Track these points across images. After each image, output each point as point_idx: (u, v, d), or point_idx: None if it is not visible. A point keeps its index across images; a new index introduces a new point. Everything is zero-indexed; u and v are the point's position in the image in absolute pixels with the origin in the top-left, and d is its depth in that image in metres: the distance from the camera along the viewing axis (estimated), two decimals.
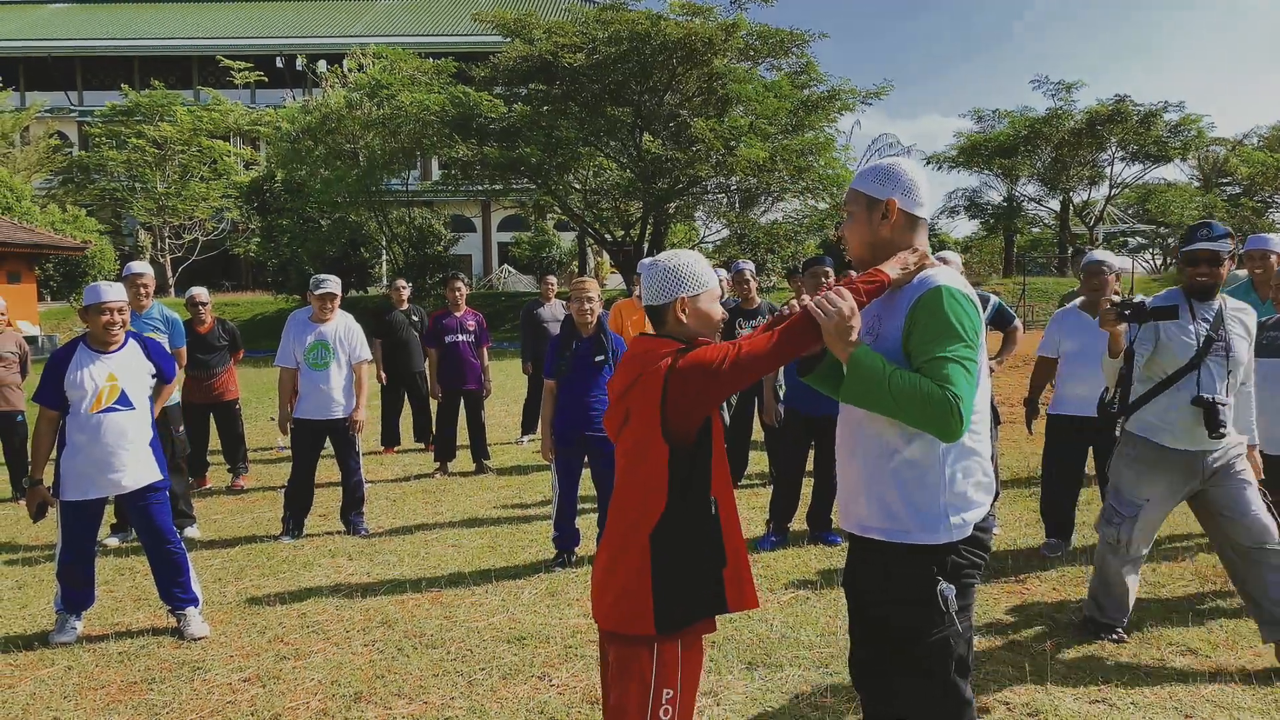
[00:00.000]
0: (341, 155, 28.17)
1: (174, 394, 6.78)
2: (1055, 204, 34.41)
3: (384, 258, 33.30)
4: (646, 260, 2.56)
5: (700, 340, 2.52)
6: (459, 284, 8.53)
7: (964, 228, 52.04)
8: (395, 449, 9.86)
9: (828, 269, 6.02)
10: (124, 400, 4.58)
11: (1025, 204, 34.93)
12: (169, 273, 37.49)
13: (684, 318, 2.52)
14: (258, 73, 39.27)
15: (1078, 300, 5.72)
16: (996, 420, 6.25)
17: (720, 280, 8.23)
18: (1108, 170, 32.41)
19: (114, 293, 4.60)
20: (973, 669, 2.47)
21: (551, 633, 4.55)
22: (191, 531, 6.60)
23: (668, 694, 2.46)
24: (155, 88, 37.08)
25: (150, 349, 4.81)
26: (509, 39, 25.75)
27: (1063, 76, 48.05)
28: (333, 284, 6.58)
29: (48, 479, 4.67)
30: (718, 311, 2.57)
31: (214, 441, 8.52)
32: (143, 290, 6.62)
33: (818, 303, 2.30)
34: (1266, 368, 4.64)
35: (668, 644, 2.47)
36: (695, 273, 2.53)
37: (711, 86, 24.62)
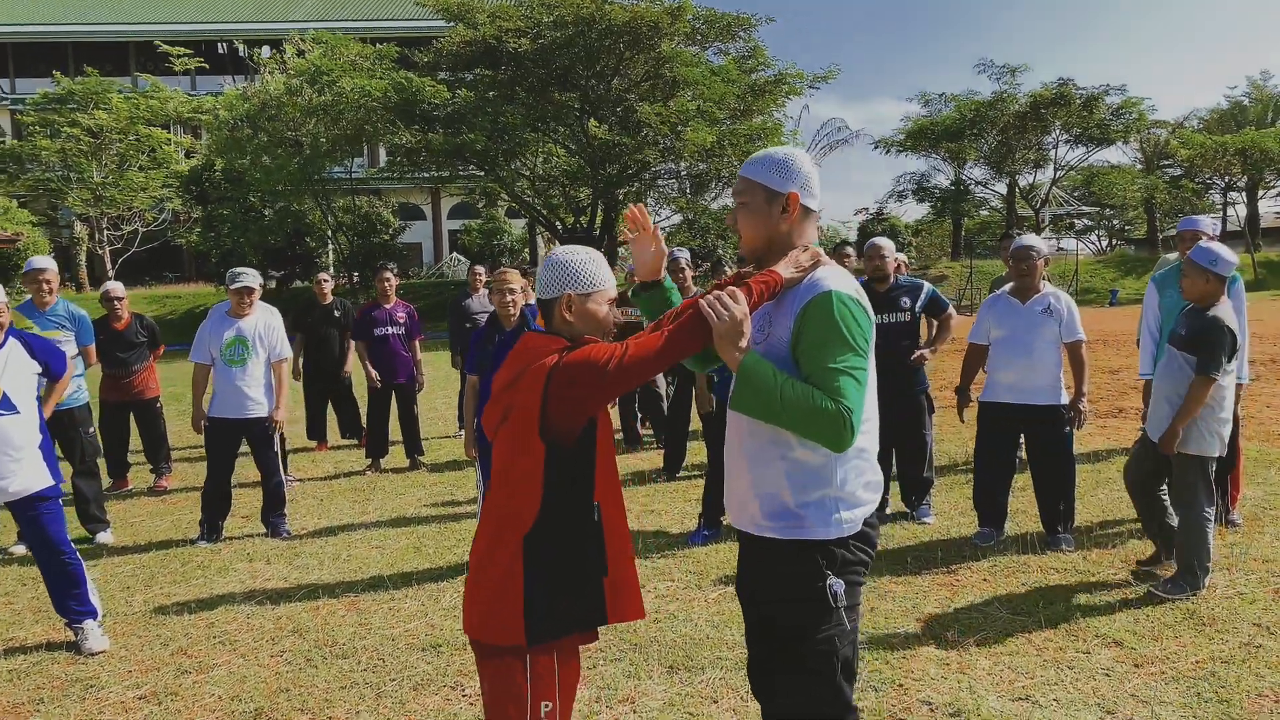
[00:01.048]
0: (283, 143, 27.60)
1: (83, 393, 6.50)
2: (1002, 187, 34.75)
3: (330, 247, 32.75)
4: (549, 255, 2.43)
5: (588, 338, 2.37)
6: (388, 274, 8.30)
7: (913, 211, 52.37)
8: (326, 446, 9.60)
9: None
10: (5, 404, 4.32)
11: (973, 187, 35.23)
12: (109, 265, 36.53)
13: (569, 316, 2.38)
14: (198, 59, 38.31)
15: (1007, 286, 5.64)
16: (931, 408, 6.18)
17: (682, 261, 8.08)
18: (1052, 153, 32.78)
19: None
20: (858, 674, 2.41)
21: (468, 640, 4.37)
22: (105, 536, 6.34)
23: (546, 706, 2.34)
24: (89, 74, 36.00)
25: (35, 346, 4.54)
26: (452, 23, 25.35)
27: (1008, 60, 48.47)
28: (250, 277, 6.33)
29: None
30: (607, 315, 2.44)
31: (136, 441, 8.21)
32: (45, 286, 6.33)
33: (709, 303, 2.21)
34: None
35: (542, 656, 2.34)
36: (588, 271, 2.40)
37: (659, 71, 24.47)
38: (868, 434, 2.31)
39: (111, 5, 44.15)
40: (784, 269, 2.29)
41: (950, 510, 6.28)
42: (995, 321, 5.52)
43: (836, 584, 2.25)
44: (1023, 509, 6.07)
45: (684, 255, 7.65)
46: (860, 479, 2.30)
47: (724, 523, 5.99)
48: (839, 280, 2.25)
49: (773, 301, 2.33)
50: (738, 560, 2.51)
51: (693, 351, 2.29)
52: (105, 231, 36.01)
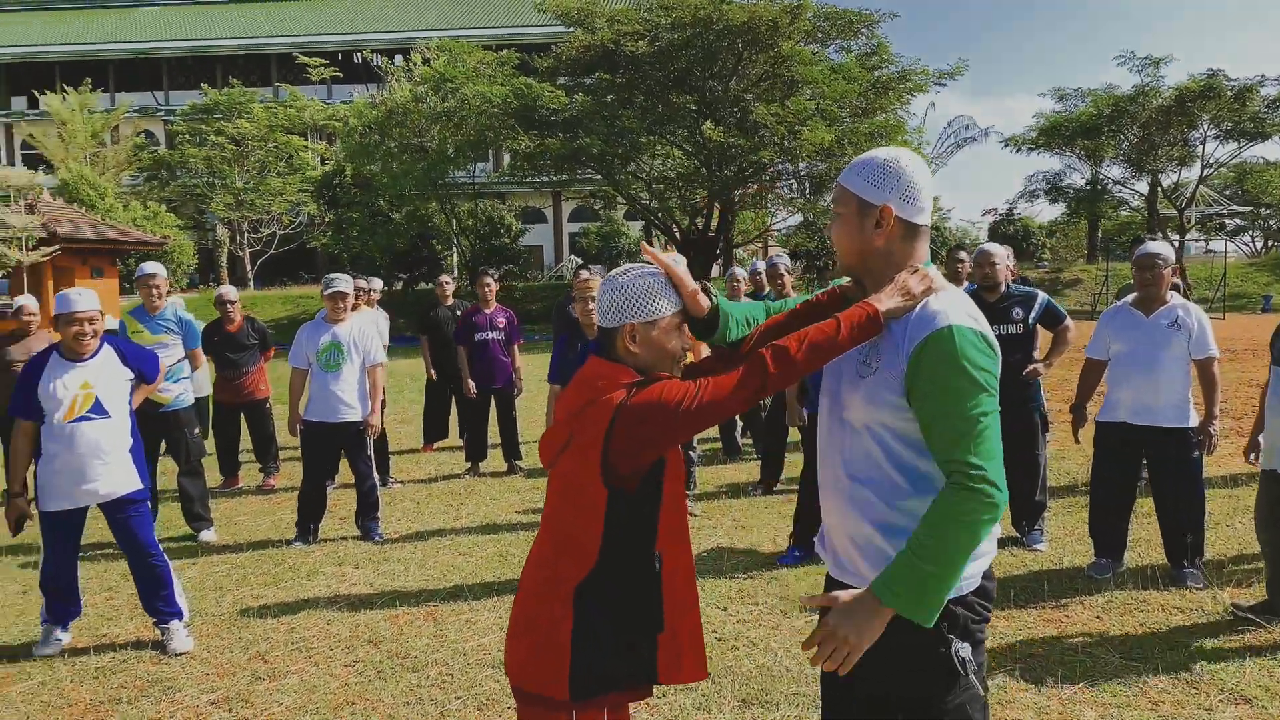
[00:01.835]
0: (409, 149, 28.38)
1: (189, 395, 6.70)
2: (1143, 186, 32.87)
3: (454, 250, 33.53)
4: (609, 277, 2.19)
5: (659, 374, 2.14)
6: (488, 280, 8.30)
7: (1046, 212, 50.13)
8: (436, 446, 9.72)
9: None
10: (98, 409, 4.44)
11: (1111, 186, 33.43)
12: (248, 266, 38.38)
13: (633, 347, 2.13)
14: (333, 69, 39.86)
15: (1129, 297, 5.18)
16: (1045, 426, 5.75)
17: (740, 279, 7.93)
18: (1200, 149, 30.76)
19: (84, 303, 4.46)
20: None
21: None
22: (208, 535, 6.52)
23: None
24: (234, 86, 37.92)
25: (128, 354, 4.66)
26: (571, 28, 25.56)
27: (1150, 51, 45.88)
28: (343, 283, 6.39)
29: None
30: (676, 344, 2.17)
31: (246, 441, 8.46)
32: (155, 291, 6.54)
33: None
34: None
35: (588, 712, 2.13)
36: (651, 298, 2.12)
37: (777, 70, 24.06)
38: None
39: (256, 21, 46.41)
40: (886, 299, 1.99)
41: (1065, 536, 5.84)
42: (1115, 335, 5.08)
43: (962, 648, 1.97)
44: (1145, 538, 5.60)
45: (783, 261, 7.43)
46: None
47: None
48: (958, 310, 1.95)
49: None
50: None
51: (771, 393, 2.05)
52: (245, 234, 37.84)
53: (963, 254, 6.49)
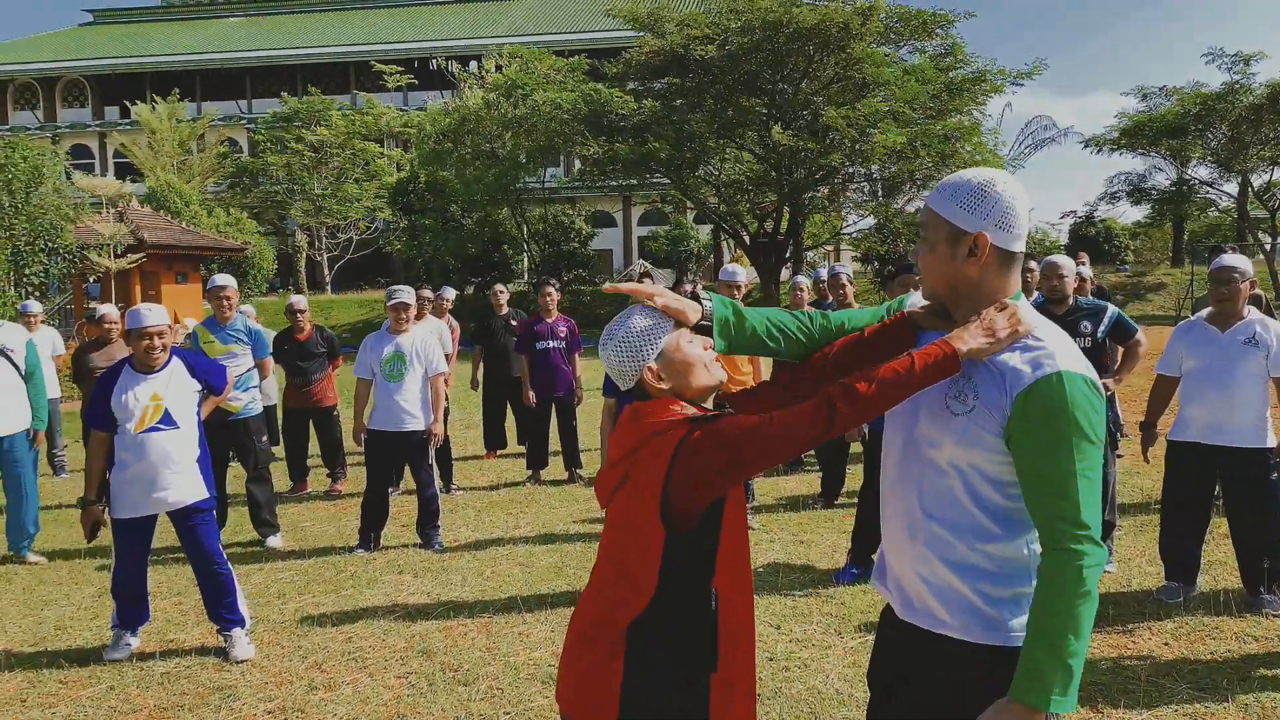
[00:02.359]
0: (481, 155, 28.73)
1: (257, 404, 6.87)
2: (1232, 187, 31.63)
3: (525, 254, 33.87)
4: (601, 342, 2.16)
5: (726, 410, 2.12)
6: (549, 289, 8.35)
7: (1130, 213, 48.63)
8: (498, 453, 9.82)
9: (918, 277, 5.49)
10: (167, 420, 4.59)
11: (1197, 187, 32.26)
12: (326, 271, 39.28)
13: (662, 385, 2.09)
14: (409, 76, 40.59)
15: (1204, 311, 4.98)
16: (1115, 443, 5.57)
17: (804, 287, 7.88)
18: None
19: (154, 317, 4.61)
20: None
21: None
22: (274, 541, 6.67)
23: None
24: (312, 94, 38.87)
25: (196, 366, 4.80)
26: (641, 34, 25.61)
27: (1241, 48, 44.11)
28: (405, 294, 6.50)
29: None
30: (694, 350, 2.11)
31: (314, 446, 8.65)
32: (226, 302, 6.72)
33: None
34: None
35: None
36: (646, 334, 2.08)
37: (848, 73, 23.76)
38: None
39: (334, 30, 47.57)
40: (970, 339, 1.89)
41: (1135, 557, 5.64)
42: (1189, 351, 4.89)
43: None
44: (1220, 560, 5.39)
45: (845, 271, 7.32)
46: None
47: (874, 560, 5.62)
48: (1067, 355, 1.85)
49: (972, 361, 1.92)
50: (880, 647, 2.15)
51: (839, 434, 1.93)
52: (323, 240, 38.74)
53: (1032, 264, 6.33)
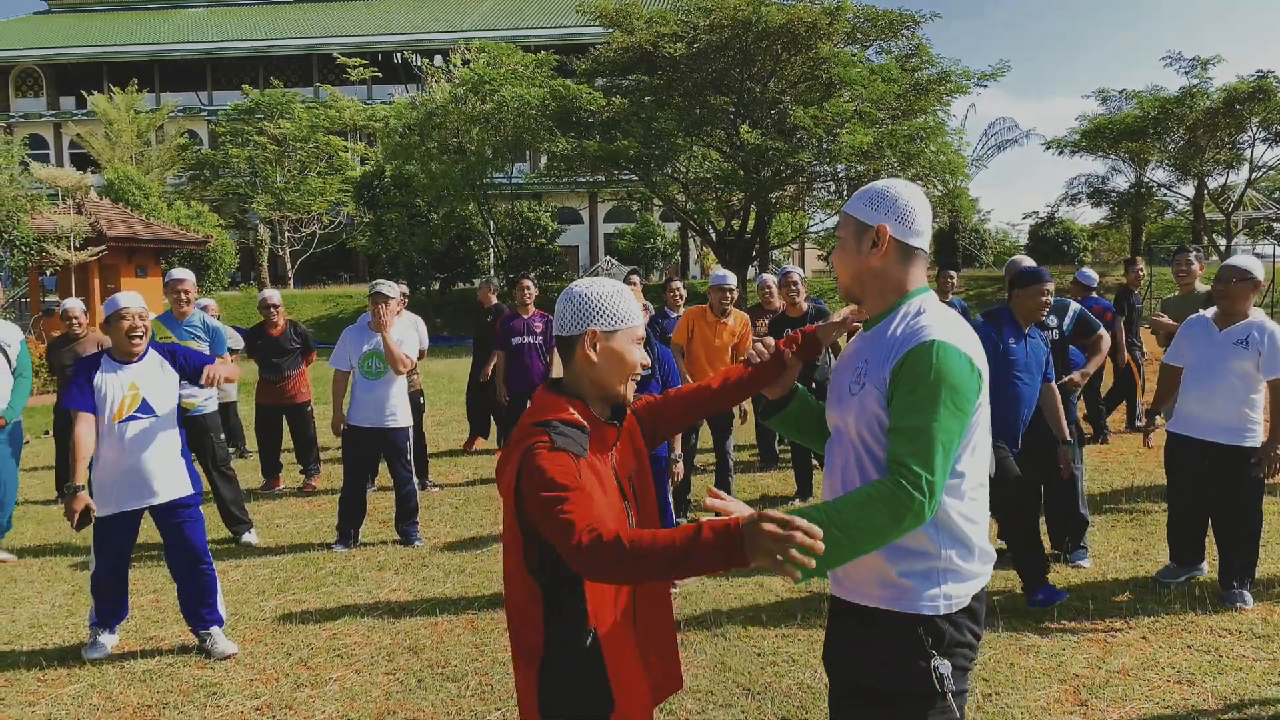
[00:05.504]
0: (448, 150, 28.54)
1: (212, 403, 6.81)
2: (1189, 189, 32.28)
3: (490, 251, 33.70)
4: (567, 289, 2.20)
5: (611, 390, 2.11)
6: (527, 284, 8.33)
7: (1088, 215, 49.43)
8: (474, 448, 9.81)
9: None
10: (145, 409, 4.51)
11: (1155, 190, 32.88)
12: (289, 265, 38.83)
13: (593, 355, 2.08)
14: (373, 69, 40.21)
15: (1211, 310, 5.08)
16: (1081, 439, 5.68)
17: (771, 286, 7.91)
18: (1248, 152, 30.16)
19: (135, 299, 4.54)
20: None
21: None
22: (249, 537, 6.60)
23: None
24: (275, 86, 38.38)
25: (178, 355, 4.70)
26: (610, 30, 25.60)
27: (1198, 52, 45.02)
28: (386, 287, 6.43)
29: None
30: (635, 358, 2.12)
31: (286, 442, 8.56)
32: (184, 296, 6.61)
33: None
34: None
35: None
36: (615, 306, 2.10)
37: (816, 73, 23.93)
38: (976, 501, 2.06)
39: (296, 22, 46.98)
40: (824, 325, 2.22)
41: (1109, 553, 5.75)
42: (1188, 345, 5.04)
43: (943, 665, 2.00)
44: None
45: (796, 271, 7.39)
46: (969, 550, 2.05)
47: None
48: (945, 328, 2.00)
49: (871, 343, 2.10)
50: (826, 632, 2.26)
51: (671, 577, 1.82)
52: (286, 234, 38.29)
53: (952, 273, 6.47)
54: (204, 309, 7.43)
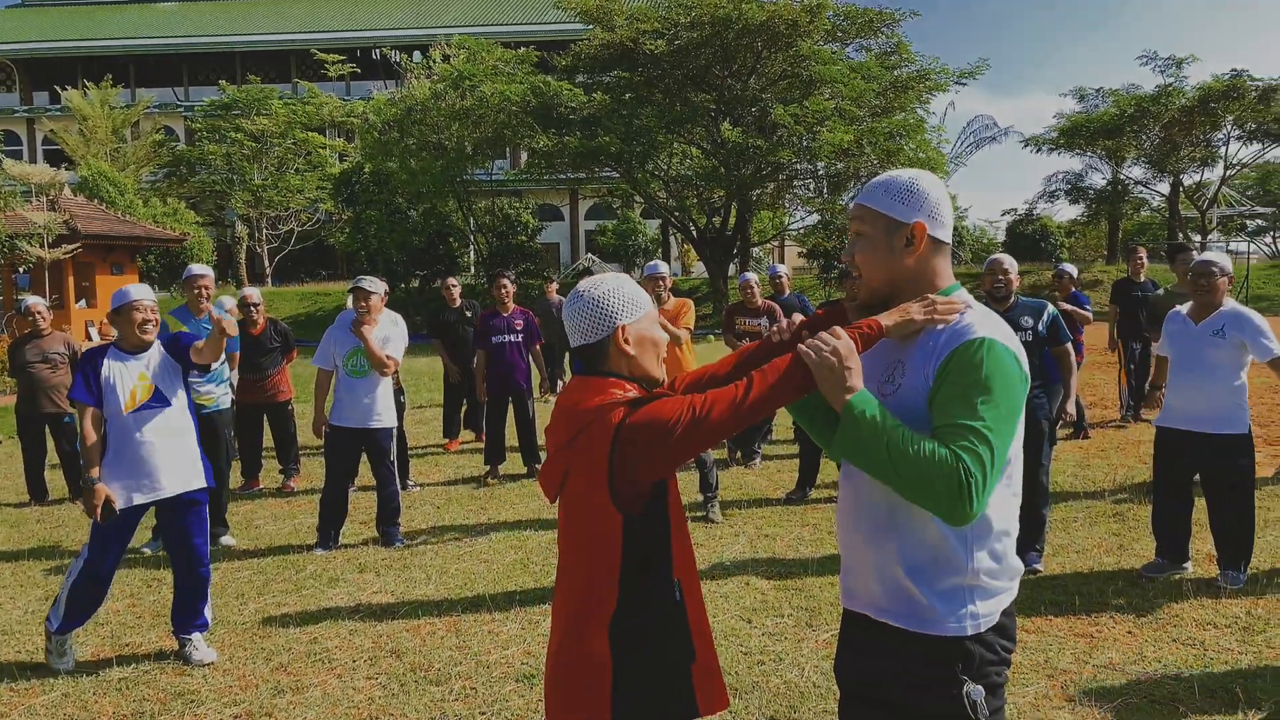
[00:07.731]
0: (428, 146, 28.38)
1: (226, 399, 6.77)
2: (1164, 187, 32.58)
3: (471, 248, 33.55)
4: (569, 297, 2.17)
5: (657, 391, 2.10)
6: (505, 282, 8.26)
7: (1065, 212, 49.80)
8: (456, 446, 9.75)
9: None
10: (159, 398, 4.46)
11: (1132, 187, 33.16)
12: (267, 263, 38.52)
13: (629, 348, 2.09)
14: (351, 65, 39.93)
15: (1186, 306, 5.16)
16: (1052, 439, 5.71)
17: (753, 284, 8.03)
18: (1222, 150, 30.47)
19: (145, 291, 4.51)
20: None
21: None
22: (227, 540, 6.50)
23: None
24: (252, 82, 38.04)
25: (180, 341, 4.63)
26: (590, 26, 25.53)
27: (1174, 51, 45.44)
28: (369, 283, 6.34)
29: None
30: (660, 333, 2.18)
31: (267, 440, 8.46)
32: (203, 292, 6.49)
33: (810, 345, 1.88)
34: None
35: None
36: (629, 295, 2.12)
37: (796, 70, 23.95)
38: (1009, 514, 1.95)
39: (274, 17, 46.57)
40: (888, 318, 1.95)
41: (1093, 548, 5.76)
42: (1168, 340, 5.17)
43: (975, 691, 1.88)
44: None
45: (782, 268, 7.40)
46: (999, 564, 1.94)
47: None
48: (994, 327, 1.91)
49: (905, 345, 2.00)
50: (840, 643, 2.16)
51: (785, 402, 1.96)
52: (264, 231, 37.98)
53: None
54: (225, 310, 7.32)
